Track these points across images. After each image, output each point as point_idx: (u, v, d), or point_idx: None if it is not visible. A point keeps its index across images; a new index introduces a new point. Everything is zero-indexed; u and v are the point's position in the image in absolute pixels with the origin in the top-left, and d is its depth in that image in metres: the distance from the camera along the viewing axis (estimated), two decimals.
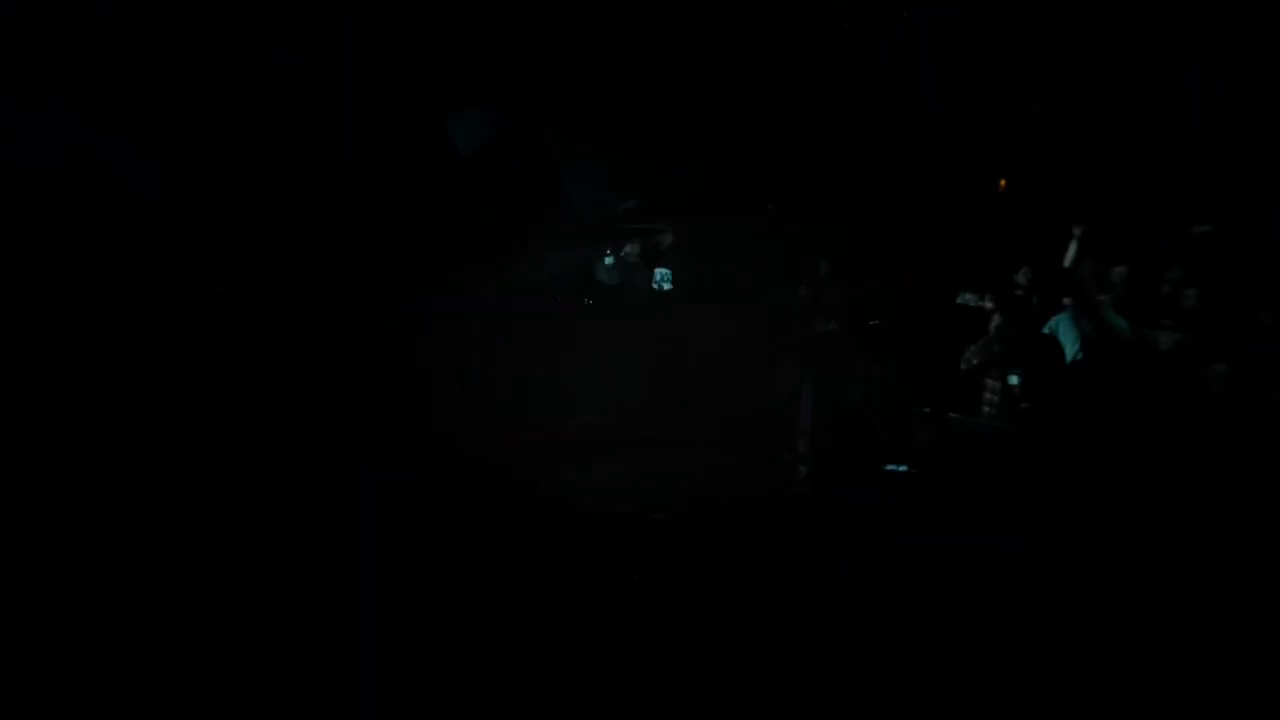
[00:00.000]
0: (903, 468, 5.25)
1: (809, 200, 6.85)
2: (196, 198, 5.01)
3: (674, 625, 3.63)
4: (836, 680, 3.39)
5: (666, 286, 7.16)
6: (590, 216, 5.68)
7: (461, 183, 5.51)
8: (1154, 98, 6.92)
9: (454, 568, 3.43)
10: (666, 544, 4.24)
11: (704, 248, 7.04)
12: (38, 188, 4.63)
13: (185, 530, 4.03)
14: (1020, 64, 7.02)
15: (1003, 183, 7.54)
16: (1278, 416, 4.95)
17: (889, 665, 3.49)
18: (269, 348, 4.79)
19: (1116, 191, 6.81)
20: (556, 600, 3.63)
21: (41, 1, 4.83)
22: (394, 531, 3.28)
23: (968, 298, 6.60)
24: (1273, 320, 5.62)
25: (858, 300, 6.18)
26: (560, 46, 6.38)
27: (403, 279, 4.38)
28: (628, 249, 7.11)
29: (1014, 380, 5.53)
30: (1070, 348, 5.81)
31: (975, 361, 5.79)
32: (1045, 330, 5.97)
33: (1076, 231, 6.29)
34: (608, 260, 6.89)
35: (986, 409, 5.70)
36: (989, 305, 6.13)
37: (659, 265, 7.26)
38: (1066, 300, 5.97)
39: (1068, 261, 6.30)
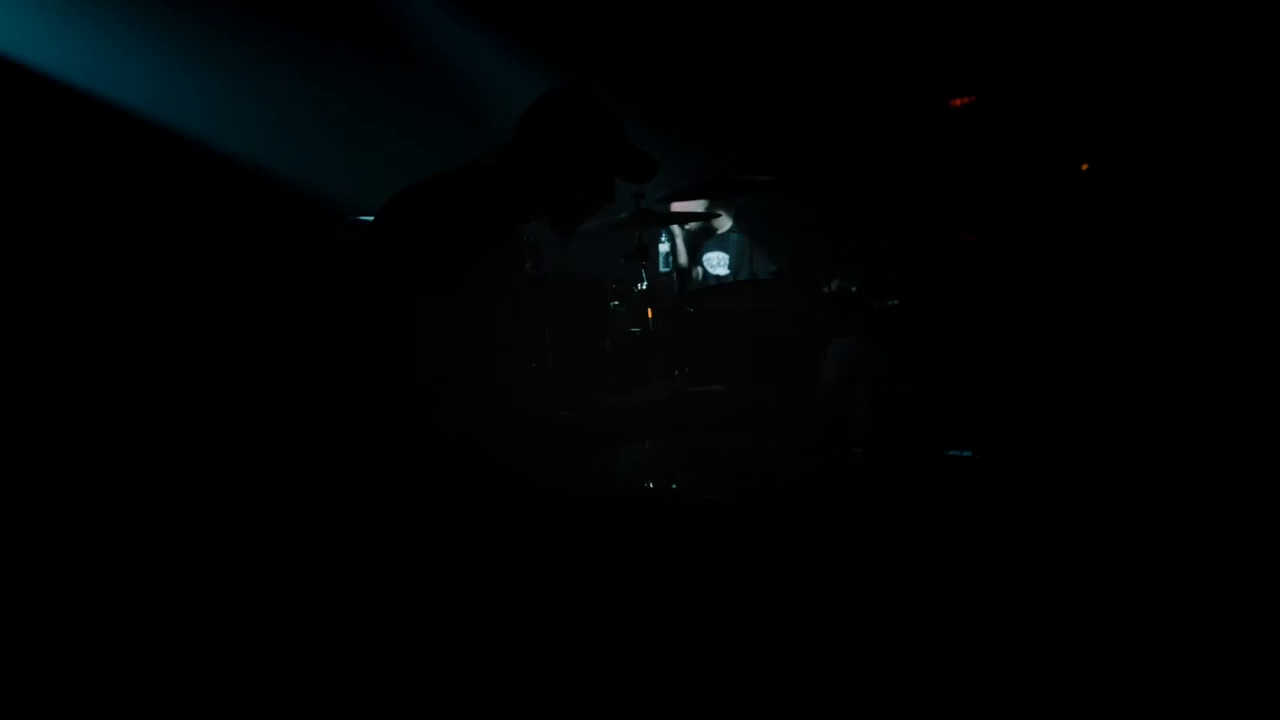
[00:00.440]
0: (966, 453, 5.01)
1: (869, 177, 6.64)
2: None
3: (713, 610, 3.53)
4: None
5: (723, 271, 7.05)
6: (643, 200, 5.58)
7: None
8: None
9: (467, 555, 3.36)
10: (715, 525, 4.11)
11: (760, 230, 6.89)
12: None
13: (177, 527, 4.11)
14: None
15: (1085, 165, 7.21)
16: None
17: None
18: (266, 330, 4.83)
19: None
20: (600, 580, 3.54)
21: None
22: (406, 520, 3.22)
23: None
24: None
25: (920, 278, 5.92)
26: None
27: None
28: (681, 231, 7.01)
29: None
30: None
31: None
32: None
33: None
34: (663, 246, 6.80)
35: None
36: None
37: (715, 249, 7.15)
38: None
39: None
